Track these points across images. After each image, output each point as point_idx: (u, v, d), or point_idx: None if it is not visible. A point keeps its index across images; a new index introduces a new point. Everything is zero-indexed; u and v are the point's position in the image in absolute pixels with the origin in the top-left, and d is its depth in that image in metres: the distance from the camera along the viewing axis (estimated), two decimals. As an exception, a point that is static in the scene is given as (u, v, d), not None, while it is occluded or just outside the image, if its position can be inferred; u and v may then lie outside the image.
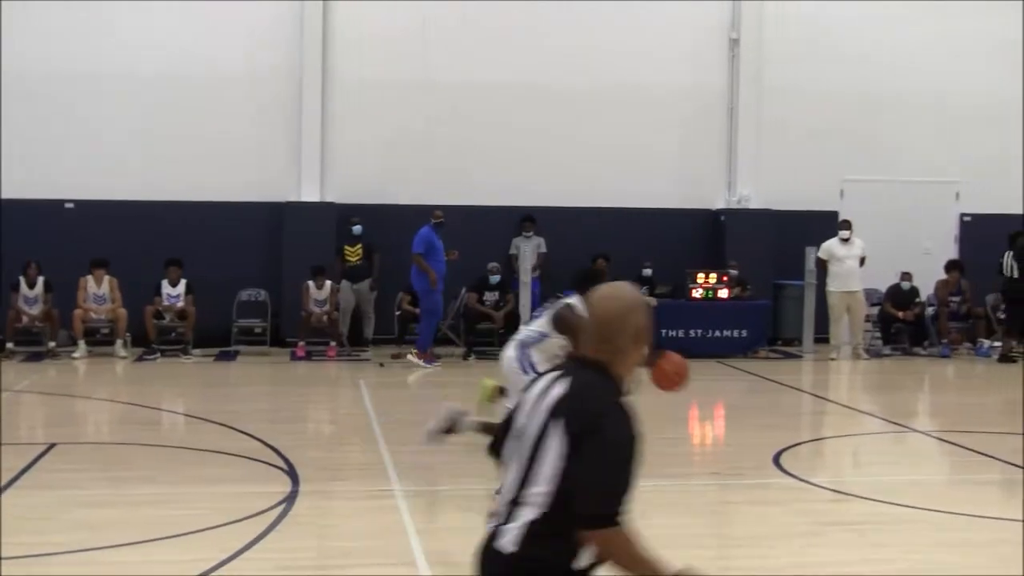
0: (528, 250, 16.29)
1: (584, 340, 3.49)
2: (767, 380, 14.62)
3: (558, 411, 3.32)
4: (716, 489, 9.08)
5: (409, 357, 15.32)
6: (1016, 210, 17.81)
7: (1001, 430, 11.19)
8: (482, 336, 16.29)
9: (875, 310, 17.40)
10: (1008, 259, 16.22)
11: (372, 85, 17.04)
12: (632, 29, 17.43)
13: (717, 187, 17.94)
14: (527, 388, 3.55)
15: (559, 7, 17.26)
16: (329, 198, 16.98)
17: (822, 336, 16.82)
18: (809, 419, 12.93)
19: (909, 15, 17.92)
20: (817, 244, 16.68)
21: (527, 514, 3.30)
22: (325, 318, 16.05)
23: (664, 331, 15.48)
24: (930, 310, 17.30)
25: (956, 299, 17.33)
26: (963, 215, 18.33)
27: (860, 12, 17.84)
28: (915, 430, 11.97)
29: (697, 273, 16.60)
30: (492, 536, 3.39)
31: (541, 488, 3.28)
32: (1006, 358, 16.29)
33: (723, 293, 16.59)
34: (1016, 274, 16.12)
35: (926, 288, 17.34)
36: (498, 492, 3.51)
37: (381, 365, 15.33)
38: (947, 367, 16.37)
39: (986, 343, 17.09)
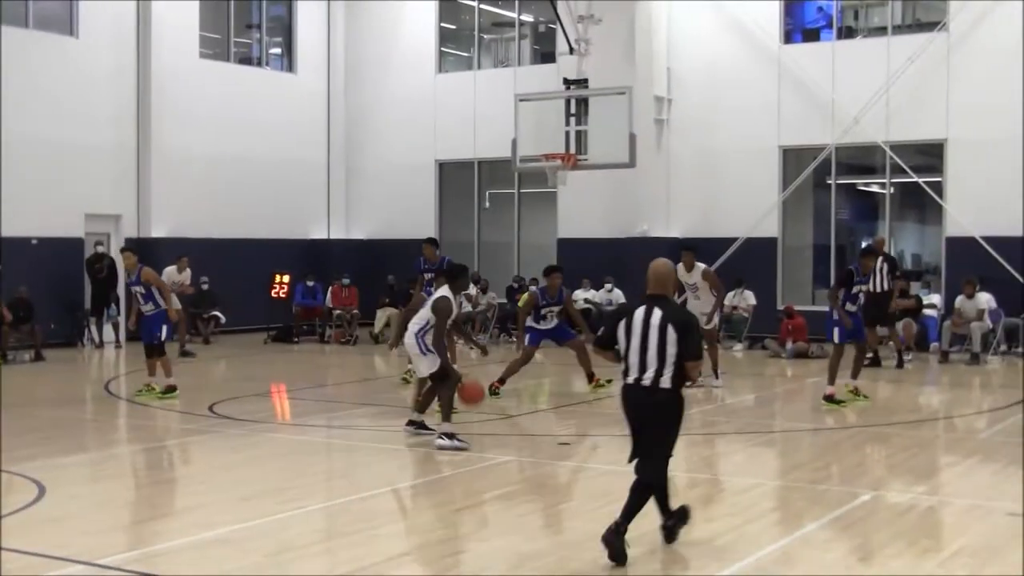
0: None
1: (651, 285, 7.16)
2: None
3: (667, 320, 7.01)
4: None
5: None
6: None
7: None
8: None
9: None
10: None
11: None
12: None
13: None
14: (627, 316, 7.13)
15: None
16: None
17: None
18: None
19: None
20: None
21: (669, 369, 7.00)
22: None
23: None
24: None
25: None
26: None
27: None
28: None
29: None
30: (650, 382, 7.00)
31: (672, 356, 6.97)
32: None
33: None
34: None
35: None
36: (625, 364, 7.12)
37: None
38: None
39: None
